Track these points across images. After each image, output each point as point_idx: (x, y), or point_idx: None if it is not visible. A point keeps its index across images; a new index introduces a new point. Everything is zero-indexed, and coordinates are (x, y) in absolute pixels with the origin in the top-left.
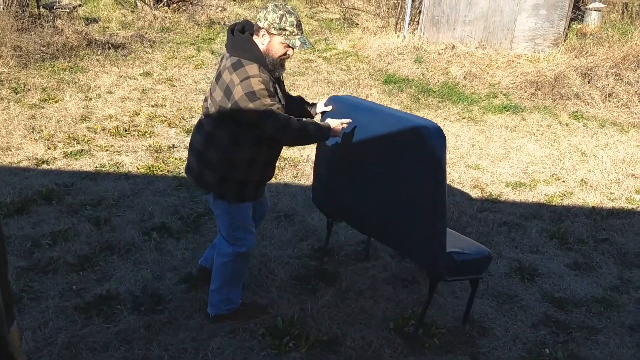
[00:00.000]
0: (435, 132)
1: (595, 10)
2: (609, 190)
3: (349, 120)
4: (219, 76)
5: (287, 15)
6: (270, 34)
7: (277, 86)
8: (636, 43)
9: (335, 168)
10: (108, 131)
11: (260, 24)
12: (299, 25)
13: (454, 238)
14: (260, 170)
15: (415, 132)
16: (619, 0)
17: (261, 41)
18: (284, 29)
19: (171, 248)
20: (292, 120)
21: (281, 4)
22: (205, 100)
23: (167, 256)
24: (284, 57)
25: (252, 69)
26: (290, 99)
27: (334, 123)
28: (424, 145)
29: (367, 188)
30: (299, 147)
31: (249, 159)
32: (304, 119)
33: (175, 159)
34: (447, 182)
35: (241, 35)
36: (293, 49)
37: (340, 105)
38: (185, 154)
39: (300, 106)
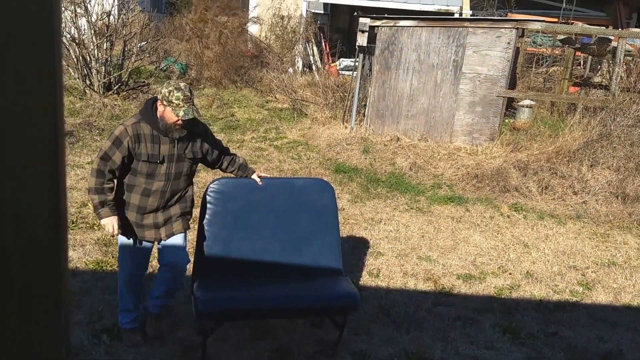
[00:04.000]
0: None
1: (528, 107)
2: (553, 283)
3: (117, 232)
4: None
5: (175, 91)
6: (163, 104)
7: (152, 142)
8: (566, 139)
9: None
10: None
11: (159, 96)
12: (185, 99)
13: None
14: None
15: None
16: (547, 98)
17: (160, 108)
18: (171, 102)
19: (122, 352)
20: (97, 179)
21: (175, 81)
22: None
23: None
24: (178, 123)
25: (130, 120)
26: (232, 161)
27: (108, 222)
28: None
29: None
30: None
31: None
32: (107, 187)
33: None
34: (402, 274)
35: (151, 98)
36: (178, 117)
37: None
38: None
39: (237, 170)
